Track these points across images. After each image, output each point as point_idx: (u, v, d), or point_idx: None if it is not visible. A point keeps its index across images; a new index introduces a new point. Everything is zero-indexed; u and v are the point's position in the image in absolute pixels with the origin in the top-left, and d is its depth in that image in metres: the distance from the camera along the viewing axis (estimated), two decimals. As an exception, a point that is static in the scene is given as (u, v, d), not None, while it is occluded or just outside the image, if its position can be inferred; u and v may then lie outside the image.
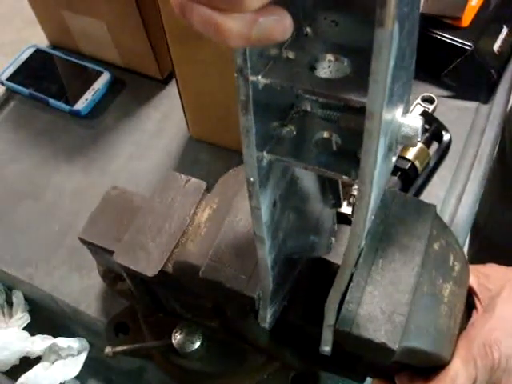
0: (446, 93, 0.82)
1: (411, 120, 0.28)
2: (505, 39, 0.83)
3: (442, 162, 0.76)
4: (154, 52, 0.82)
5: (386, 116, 0.25)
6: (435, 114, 0.79)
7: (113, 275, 0.61)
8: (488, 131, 0.79)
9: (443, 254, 0.42)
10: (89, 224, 0.55)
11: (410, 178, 0.71)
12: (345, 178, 0.29)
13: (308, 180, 0.41)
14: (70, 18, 0.83)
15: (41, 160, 0.80)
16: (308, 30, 0.31)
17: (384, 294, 0.39)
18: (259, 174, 0.30)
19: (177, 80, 0.71)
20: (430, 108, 0.79)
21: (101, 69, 0.87)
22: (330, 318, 0.37)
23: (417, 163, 0.71)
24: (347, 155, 0.30)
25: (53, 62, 0.89)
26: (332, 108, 0.31)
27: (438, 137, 0.76)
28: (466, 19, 0.81)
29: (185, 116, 0.78)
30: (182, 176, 0.54)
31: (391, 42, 0.22)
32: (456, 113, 0.81)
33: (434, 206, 0.43)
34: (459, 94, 0.82)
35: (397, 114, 0.28)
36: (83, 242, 0.54)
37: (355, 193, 0.69)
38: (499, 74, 0.82)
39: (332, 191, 0.47)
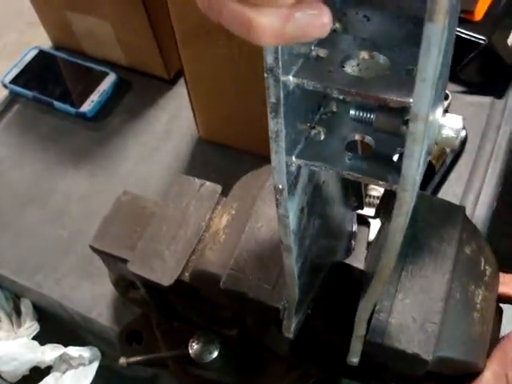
0: (460, 88, 0.80)
1: (451, 120, 0.26)
2: (519, 34, 0.80)
3: (458, 159, 0.74)
4: (160, 51, 0.80)
5: (430, 117, 0.23)
6: (450, 110, 0.77)
7: (125, 283, 0.59)
8: (504, 126, 0.77)
9: (474, 258, 0.40)
10: (100, 231, 0.53)
11: (426, 177, 0.69)
12: (382, 183, 0.27)
13: (332, 183, 0.39)
14: (74, 18, 0.81)
15: (46, 164, 0.78)
16: (337, 25, 0.29)
17: (415, 302, 0.37)
18: (288, 180, 0.28)
19: (186, 79, 0.69)
20: (445, 104, 0.77)
21: (106, 70, 0.85)
22: (360, 329, 0.35)
23: (433, 161, 0.69)
24: (382, 159, 0.28)
25: (57, 64, 0.87)
26: (365, 108, 0.29)
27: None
28: (479, 13, 0.79)
29: (194, 116, 0.76)
30: (196, 180, 0.52)
31: (442, 39, 0.20)
32: (471, 108, 0.79)
33: (463, 208, 0.41)
34: (473, 89, 0.80)
35: (437, 115, 0.26)
36: (94, 250, 0.52)
37: (373, 193, 0.67)
38: (512, 68, 0.80)
39: (354, 193, 0.45)
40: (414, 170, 0.24)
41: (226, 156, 0.76)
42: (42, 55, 0.87)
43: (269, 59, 0.23)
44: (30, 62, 0.86)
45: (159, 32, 0.77)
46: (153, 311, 0.57)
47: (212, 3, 0.22)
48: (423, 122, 0.22)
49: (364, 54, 0.26)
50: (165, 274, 0.46)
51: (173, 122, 0.82)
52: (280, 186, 0.29)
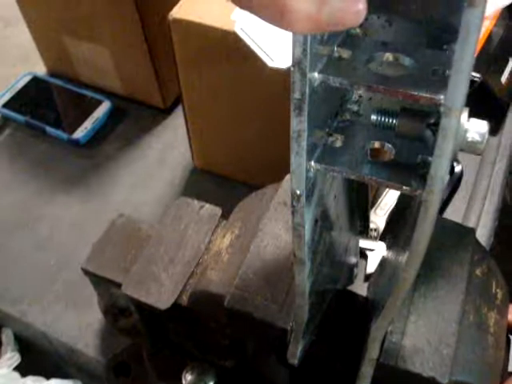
0: (455, 125, 0.81)
1: (477, 124, 0.26)
2: (512, 71, 0.82)
3: (454, 193, 0.74)
4: (157, 80, 0.79)
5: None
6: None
7: (115, 311, 0.56)
8: (499, 162, 0.78)
9: (486, 280, 0.39)
10: (93, 254, 0.51)
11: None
12: (405, 188, 0.26)
13: (342, 201, 0.38)
14: (72, 44, 0.81)
15: (37, 190, 0.76)
16: (358, 30, 0.28)
17: (429, 324, 0.36)
18: (306, 186, 0.27)
19: (184, 107, 0.69)
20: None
21: (101, 97, 0.84)
22: (373, 351, 0.34)
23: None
24: (403, 165, 0.27)
25: (50, 90, 0.86)
26: (387, 113, 0.28)
27: (450, 168, 0.74)
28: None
29: (190, 145, 0.75)
30: (196, 202, 0.51)
31: (480, 26, 0.19)
32: (466, 145, 0.79)
33: (473, 230, 0.40)
34: (468, 125, 0.81)
35: (463, 118, 0.25)
36: (86, 272, 0.50)
37: (370, 225, 0.67)
38: (507, 106, 0.81)
39: (360, 216, 0.44)
40: (443, 169, 0.23)
41: (222, 186, 0.75)
42: (35, 81, 0.86)
43: (297, 52, 0.23)
44: (23, 88, 0.85)
45: (158, 60, 0.77)
46: (144, 340, 0.54)
47: None
48: (456, 117, 0.21)
49: (388, 56, 0.26)
50: (161, 297, 0.44)
51: (167, 151, 0.81)
52: (298, 192, 0.27)
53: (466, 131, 0.25)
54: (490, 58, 0.80)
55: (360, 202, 0.43)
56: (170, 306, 0.44)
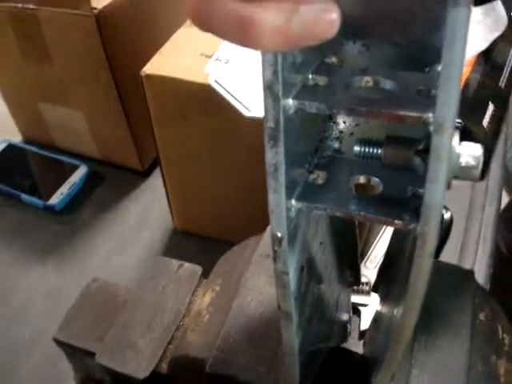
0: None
1: (469, 148, 0.23)
2: (492, 114, 0.82)
3: (446, 241, 0.72)
4: (134, 142, 0.78)
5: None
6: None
7: (93, 385, 0.52)
8: (488, 207, 0.76)
9: (491, 325, 0.35)
10: (65, 322, 0.47)
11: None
12: (397, 223, 0.23)
13: (329, 248, 0.35)
14: (47, 109, 0.79)
15: (11, 260, 0.73)
16: (333, 59, 0.26)
17: (434, 377, 0.32)
18: (287, 227, 0.25)
19: (161, 166, 0.66)
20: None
21: (77, 162, 0.82)
22: (375, 413, 0.30)
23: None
24: (393, 199, 0.25)
25: (26, 157, 0.84)
26: (371, 143, 0.26)
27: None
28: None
29: (169, 206, 0.72)
30: (174, 261, 0.47)
31: (467, 26, 0.17)
32: (453, 191, 0.77)
33: (472, 272, 0.37)
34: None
35: (454, 142, 0.23)
36: (59, 343, 0.46)
37: (364, 279, 0.63)
38: (491, 149, 0.80)
39: (350, 265, 0.41)
40: (438, 196, 0.20)
41: (204, 247, 0.72)
42: (10, 148, 0.84)
43: (267, 74, 0.21)
44: (-3, 156, 0.83)
45: (134, 122, 0.75)
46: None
47: (201, 6, 0.19)
48: (449, 134, 0.19)
49: (368, 80, 0.24)
50: (139, 366, 0.40)
51: (146, 214, 0.79)
52: (279, 234, 0.25)
53: (458, 156, 0.23)
54: (469, 104, 0.80)
55: (349, 250, 0.40)
56: (149, 375, 0.40)
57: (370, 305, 0.62)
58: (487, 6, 0.86)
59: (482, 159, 0.23)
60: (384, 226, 0.71)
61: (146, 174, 0.83)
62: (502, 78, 0.90)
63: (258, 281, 0.38)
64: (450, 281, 0.36)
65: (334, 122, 0.30)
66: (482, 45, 0.88)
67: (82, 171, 0.81)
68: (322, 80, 0.24)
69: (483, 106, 0.82)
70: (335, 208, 0.24)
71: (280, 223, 0.24)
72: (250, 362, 0.34)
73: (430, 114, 0.20)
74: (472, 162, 0.23)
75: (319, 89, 0.23)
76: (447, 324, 0.34)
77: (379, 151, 0.25)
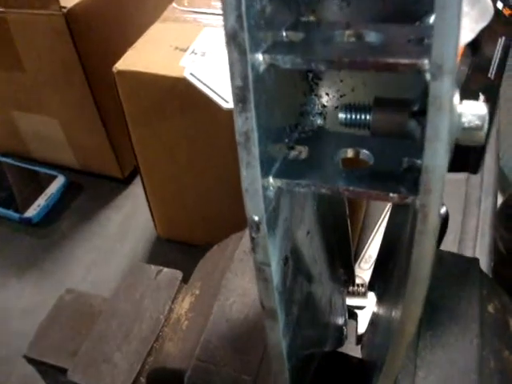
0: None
1: (472, 106, 0.20)
2: (483, 106, 0.79)
3: (443, 238, 0.68)
4: (113, 148, 0.74)
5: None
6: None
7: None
8: (484, 201, 0.73)
9: (501, 318, 0.32)
10: (37, 337, 0.43)
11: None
12: (393, 196, 0.20)
13: (317, 240, 0.31)
14: (20, 118, 0.76)
15: (-16, 277, 0.68)
16: (311, 18, 0.23)
17: (443, 378, 0.28)
18: (266, 209, 0.21)
19: (140, 171, 0.63)
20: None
21: (54, 172, 0.78)
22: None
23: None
24: (387, 172, 0.22)
25: (1, 169, 0.80)
26: (358, 108, 0.22)
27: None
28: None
29: (151, 212, 0.69)
30: (152, 267, 0.44)
31: None
32: (446, 186, 0.74)
33: (477, 260, 0.34)
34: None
35: (455, 100, 0.20)
36: (30, 361, 0.42)
37: (357, 281, 0.60)
38: (484, 142, 0.77)
39: (343, 262, 0.37)
40: (441, 157, 0.17)
41: (188, 253, 0.68)
42: (-16, 161, 0.80)
43: (230, 21, 0.17)
44: (-30, 170, 0.79)
45: (111, 127, 0.72)
46: None
47: None
48: (450, 78, 0.16)
49: (350, 33, 0.20)
50: (115, 382, 0.36)
51: (128, 223, 0.75)
52: (256, 218, 0.21)
53: (460, 116, 0.20)
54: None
55: (340, 245, 0.37)
56: (127, 393, 0.36)
57: (367, 307, 0.58)
58: (473, -5, 0.84)
59: (487, 118, 0.20)
60: (378, 224, 0.68)
61: (126, 181, 0.79)
62: (490, 69, 0.88)
63: (241, 280, 0.34)
64: (454, 271, 0.33)
65: (316, 95, 0.26)
66: (469, 36, 0.85)
67: (59, 182, 0.78)
68: (297, 36, 0.21)
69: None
70: (320, 184, 0.21)
71: (256, 204, 0.21)
72: (232, 371, 0.30)
73: (426, 61, 0.17)
74: (476, 122, 0.19)
75: (294, 44, 0.20)
76: (454, 318, 0.31)
77: (367, 117, 0.22)
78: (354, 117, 0.22)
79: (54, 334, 0.43)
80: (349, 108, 0.22)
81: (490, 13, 0.84)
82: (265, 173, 0.21)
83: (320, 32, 0.21)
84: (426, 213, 0.18)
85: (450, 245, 0.67)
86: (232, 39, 0.17)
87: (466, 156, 0.76)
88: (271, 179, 0.21)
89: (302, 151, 0.23)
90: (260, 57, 0.19)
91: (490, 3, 0.81)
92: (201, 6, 0.62)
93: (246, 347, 0.31)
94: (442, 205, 0.60)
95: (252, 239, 0.22)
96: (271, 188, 0.21)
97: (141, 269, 0.43)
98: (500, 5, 0.93)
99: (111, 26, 0.68)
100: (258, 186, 0.20)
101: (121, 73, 0.52)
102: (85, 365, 0.38)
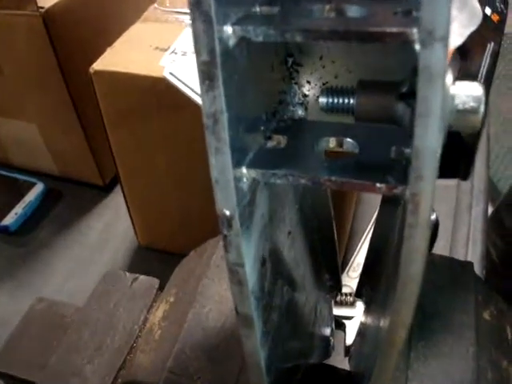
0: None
1: (466, 87, 0.18)
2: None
3: (433, 245, 0.66)
4: (93, 153, 0.72)
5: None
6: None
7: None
8: (475, 207, 0.71)
9: (497, 325, 0.30)
10: (5, 349, 0.40)
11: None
12: (380, 187, 0.18)
13: (299, 241, 0.29)
14: (-1, 123, 0.73)
15: (-42, 289, 0.66)
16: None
17: (436, 393, 0.26)
18: (238, 203, 0.19)
19: (119, 177, 0.60)
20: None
21: (33, 179, 0.76)
22: None
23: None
24: (373, 162, 0.20)
25: (-23, 177, 0.77)
26: (340, 91, 0.20)
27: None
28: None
29: (131, 220, 0.66)
30: (128, 274, 0.41)
31: None
32: (437, 192, 0.73)
33: (472, 264, 0.32)
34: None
35: (447, 79, 0.18)
36: (-3, 375, 0.40)
37: (345, 289, 0.57)
38: (474, 146, 0.76)
39: (327, 266, 0.35)
40: (433, 135, 0.15)
41: (169, 262, 0.65)
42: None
43: (191, -17, 0.15)
44: None
45: (91, 132, 0.70)
46: None
47: None
48: (441, 45, 0.14)
49: (330, 8, 0.18)
50: (85, 397, 0.34)
51: (108, 231, 0.72)
52: (227, 213, 0.19)
53: (453, 97, 0.18)
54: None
55: (325, 249, 0.35)
56: (98, 409, 0.34)
57: (356, 317, 0.56)
58: (461, 0, 0.83)
59: (483, 100, 0.18)
60: (367, 231, 0.66)
61: (107, 189, 0.77)
62: (479, 75, 0.87)
63: (219, 287, 0.32)
64: (447, 275, 0.31)
65: (297, 83, 0.24)
66: (458, 40, 0.84)
67: (38, 189, 0.75)
68: (271, 11, 0.19)
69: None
70: (299, 174, 0.19)
71: (228, 197, 0.19)
72: (208, 384, 0.28)
73: (415, 29, 0.15)
74: (471, 104, 0.17)
75: (268, 17, 0.18)
76: (447, 326, 0.28)
77: (351, 101, 0.20)
78: (336, 101, 0.20)
79: (24, 345, 0.40)
80: (330, 91, 0.20)
81: (478, 17, 0.83)
82: (237, 162, 0.19)
83: (297, 6, 0.19)
84: (417, 203, 0.16)
85: (440, 252, 0.65)
86: (196, 6, 0.15)
87: (456, 162, 0.74)
88: (244, 169, 0.19)
89: (280, 141, 0.21)
90: (229, 29, 0.17)
91: (479, 7, 0.80)
92: (183, 6, 0.60)
93: (223, 358, 0.29)
94: (432, 211, 0.57)
95: (224, 237, 0.20)
96: (245, 179, 0.19)
97: (115, 276, 0.41)
98: (488, 11, 0.92)
99: (91, 27, 0.65)
100: (229, 177, 0.18)
101: (98, 73, 0.50)
102: (53, 378, 0.35)
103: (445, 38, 0.14)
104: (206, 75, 0.16)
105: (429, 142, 0.15)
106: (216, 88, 0.16)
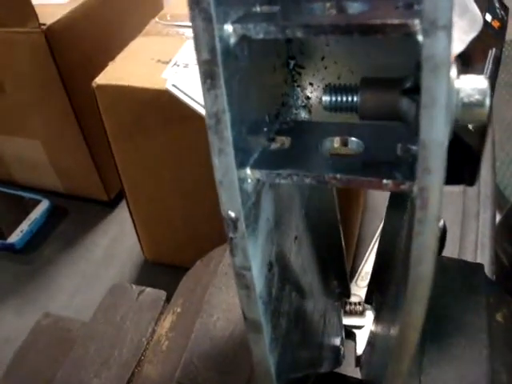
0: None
1: (471, 80, 0.18)
2: (477, 117, 0.77)
3: (441, 252, 0.66)
4: (97, 168, 0.72)
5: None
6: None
7: None
8: (483, 213, 0.70)
9: (510, 327, 0.29)
10: (12, 365, 0.40)
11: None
12: (386, 183, 0.17)
13: (306, 246, 0.29)
14: (2, 141, 0.73)
15: (-36, 307, 0.65)
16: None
17: (450, 398, 0.26)
18: (243, 205, 0.19)
19: (125, 192, 0.60)
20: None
21: (38, 197, 0.76)
22: None
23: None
24: (378, 160, 0.19)
25: (-17, 195, 0.78)
26: (343, 89, 0.20)
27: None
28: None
29: (137, 235, 0.66)
30: (134, 287, 0.41)
31: None
32: (444, 199, 0.72)
33: (482, 266, 0.31)
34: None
35: (452, 72, 0.18)
36: (3, 392, 0.39)
37: (353, 299, 0.57)
38: (479, 152, 0.75)
39: (336, 272, 0.35)
40: (439, 127, 0.15)
41: (177, 276, 0.65)
42: (-36, 188, 0.78)
43: (191, -19, 0.15)
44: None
45: (95, 147, 0.70)
46: None
47: None
48: (445, 34, 0.14)
49: (330, 5, 0.18)
50: (92, 412, 0.33)
51: (114, 247, 0.72)
52: (232, 215, 0.19)
53: (458, 92, 0.18)
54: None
55: (333, 255, 0.34)
56: (106, 424, 0.33)
57: (366, 326, 0.56)
58: (461, 6, 0.83)
59: (488, 93, 0.18)
60: (374, 239, 0.65)
61: (112, 204, 0.77)
62: (482, 81, 0.87)
63: (226, 295, 0.32)
64: (458, 278, 0.30)
65: (299, 86, 0.24)
66: (459, 47, 0.84)
67: (43, 206, 0.75)
68: (271, 9, 0.19)
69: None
70: (303, 173, 0.18)
71: (232, 198, 0.18)
72: (217, 394, 0.28)
73: (417, 21, 0.15)
74: (477, 96, 0.17)
75: (268, 15, 0.18)
76: (460, 329, 0.28)
77: (355, 98, 0.20)
78: (340, 99, 0.20)
79: (30, 361, 0.40)
80: (334, 89, 0.20)
81: (479, 23, 0.83)
82: (241, 163, 0.18)
83: (297, 5, 0.19)
84: (426, 197, 0.16)
85: (449, 259, 0.65)
86: (195, 3, 0.15)
87: (462, 168, 0.74)
88: (248, 170, 0.19)
89: (284, 142, 0.21)
90: (230, 27, 0.16)
91: (479, 13, 0.80)
92: (184, 19, 0.60)
93: (231, 367, 0.28)
94: (440, 218, 0.57)
95: (230, 240, 0.19)
96: (249, 180, 0.19)
97: (122, 289, 0.40)
98: (489, 17, 0.92)
99: (92, 42, 0.66)
100: (233, 178, 0.18)
101: (100, 87, 0.50)
102: (60, 394, 0.35)
103: (448, 27, 0.14)
104: (208, 74, 0.16)
105: (435, 134, 0.15)
106: (218, 87, 0.16)
